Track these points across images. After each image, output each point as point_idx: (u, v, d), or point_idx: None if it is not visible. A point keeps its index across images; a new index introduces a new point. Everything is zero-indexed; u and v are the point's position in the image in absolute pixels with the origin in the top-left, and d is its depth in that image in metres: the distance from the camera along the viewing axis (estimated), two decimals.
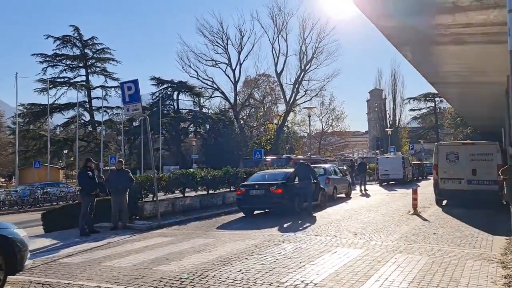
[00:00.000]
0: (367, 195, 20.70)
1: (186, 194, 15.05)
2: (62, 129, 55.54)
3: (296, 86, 56.20)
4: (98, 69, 56.60)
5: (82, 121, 54.39)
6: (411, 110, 77.09)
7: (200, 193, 15.83)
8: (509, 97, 6.85)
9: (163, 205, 13.40)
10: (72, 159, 52.97)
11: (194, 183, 14.66)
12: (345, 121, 65.13)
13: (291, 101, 56.44)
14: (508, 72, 7.24)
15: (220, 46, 55.56)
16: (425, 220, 11.43)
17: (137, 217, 12.57)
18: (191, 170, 15.76)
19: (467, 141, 18.45)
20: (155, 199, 12.46)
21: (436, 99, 73.85)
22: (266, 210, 13.78)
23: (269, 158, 29.63)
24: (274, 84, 61.43)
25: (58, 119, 55.66)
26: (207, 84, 57.02)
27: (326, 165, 19.52)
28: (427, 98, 75.39)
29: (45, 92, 48.59)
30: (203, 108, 58.63)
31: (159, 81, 54.41)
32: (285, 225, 11.08)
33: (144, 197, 13.10)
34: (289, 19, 55.45)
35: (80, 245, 9.20)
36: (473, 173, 14.01)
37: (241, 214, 13.64)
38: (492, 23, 10.72)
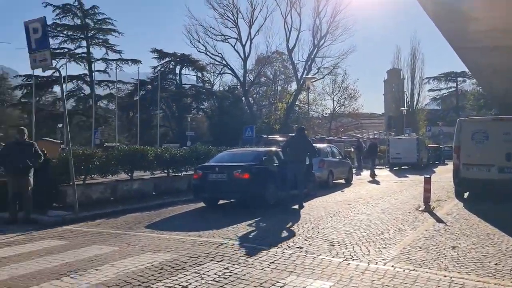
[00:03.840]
0: (375, 182, 17.50)
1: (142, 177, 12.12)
2: (60, 102, 53.16)
3: (309, 63, 52.54)
4: (99, 40, 53.69)
5: (82, 94, 52.13)
6: (430, 90, 72.50)
7: (159, 176, 12.87)
8: None
9: (98, 191, 10.47)
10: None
11: (145, 163, 11.64)
12: (359, 100, 59.89)
13: (302, 79, 52.79)
14: None
15: (230, 20, 51.94)
16: (440, 221, 8.22)
17: (61, 205, 9.68)
18: (142, 147, 12.61)
19: (500, 116, 14.90)
20: (71, 183, 9.10)
21: (459, 79, 69.19)
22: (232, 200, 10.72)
23: (279, 137, 26.42)
24: (288, 63, 57.68)
25: (58, 92, 53.35)
26: (216, 60, 53.77)
27: (322, 145, 16.23)
28: (449, 78, 70.75)
29: None
30: (213, 85, 55.56)
31: (161, 54, 51.23)
32: (232, 227, 7.90)
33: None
34: None
35: None
36: (507, 158, 10.64)
37: (203, 204, 10.67)
38: None
